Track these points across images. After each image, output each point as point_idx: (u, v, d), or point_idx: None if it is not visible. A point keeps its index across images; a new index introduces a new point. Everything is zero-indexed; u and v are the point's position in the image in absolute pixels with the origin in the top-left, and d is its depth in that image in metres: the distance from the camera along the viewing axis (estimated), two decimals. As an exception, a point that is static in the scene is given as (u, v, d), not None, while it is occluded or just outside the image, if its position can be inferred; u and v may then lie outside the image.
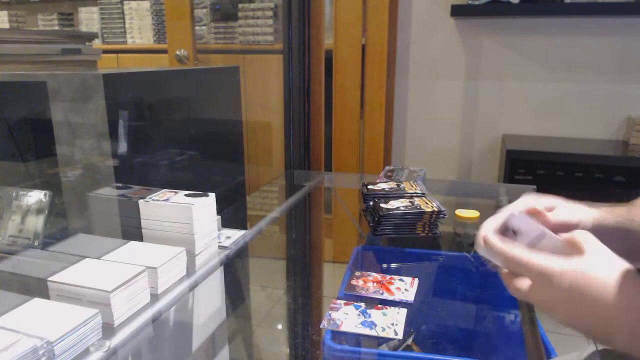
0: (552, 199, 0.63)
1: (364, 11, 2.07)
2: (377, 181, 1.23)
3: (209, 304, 0.85)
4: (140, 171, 0.99)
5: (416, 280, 0.84)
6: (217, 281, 0.84)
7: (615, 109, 1.96)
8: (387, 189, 1.14)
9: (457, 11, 1.97)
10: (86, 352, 0.55)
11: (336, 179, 1.79)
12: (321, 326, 0.69)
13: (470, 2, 1.95)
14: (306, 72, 1.56)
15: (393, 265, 0.99)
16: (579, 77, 1.98)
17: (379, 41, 2.07)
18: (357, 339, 0.70)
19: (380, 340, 0.73)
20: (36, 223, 0.78)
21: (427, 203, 1.04)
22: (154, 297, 0.67)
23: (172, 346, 0.75)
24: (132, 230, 0.78)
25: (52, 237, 0.78)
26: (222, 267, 0.83)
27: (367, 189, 1.16)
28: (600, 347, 0.53)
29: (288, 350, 1.12)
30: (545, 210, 0.60)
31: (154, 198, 0.78)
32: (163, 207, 0.76)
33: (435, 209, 1.00)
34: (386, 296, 0.78)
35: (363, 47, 2.11)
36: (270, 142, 2.24)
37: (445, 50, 2.11)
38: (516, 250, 0.51)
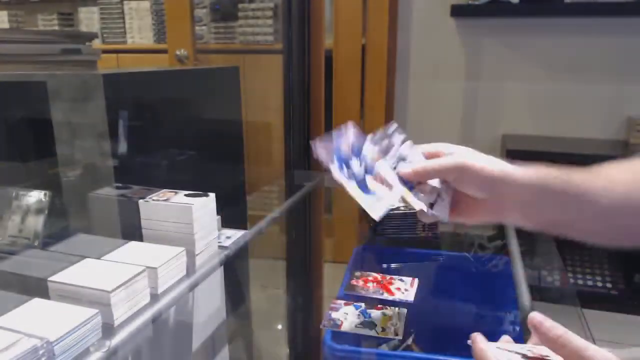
0: (460, 147, 0.60)
1: (364, 11, 2.07)
2: (377, 181, 1.23)
3: (209, 304, 0.85)
4: (140, 171, 0.99)
5: (416, 280, 0.84)
6: (217, 281, 0.84)
7: (615, 109, 1.96)
8: (387, 189, 1.14)
9: (457, 11, 1.97)
10: (86, 352, 0.55)
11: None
12: (321, 326, 0.69)
13: (470, 2, 1.95)
14: (306, 72, 1.56)
15: (393, 265, 0.99)
16: (579, 77, 1.98)
17: (379, 41, 2.08)
18: (357, 339, 0.70)
19: (380, 340, 0.73)
20: (36, 223, 0.78)
21: (427, 203, 1.04)
22: (154, 297, 0.67)
23: (172, 346, 0.75)
24: (132, 230, 0.78)
25: (52, 237, 0.78)
26: (222, 267, 0.83)
27: (367, 189, 1.16)
28: None
29: (288, 350, 1.12)
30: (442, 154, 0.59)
31: (154, 198, 0.78)
32: (163, 207, 0.76)
33: (435, 209, 1.00)
34: (386, 296, 0.78)
35: (363, 47, 2.11)
36: (270, 142, 2.24)
37: (445, 50, 2.11)
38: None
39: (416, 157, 0.58)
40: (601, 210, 0.53)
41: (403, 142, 0.59)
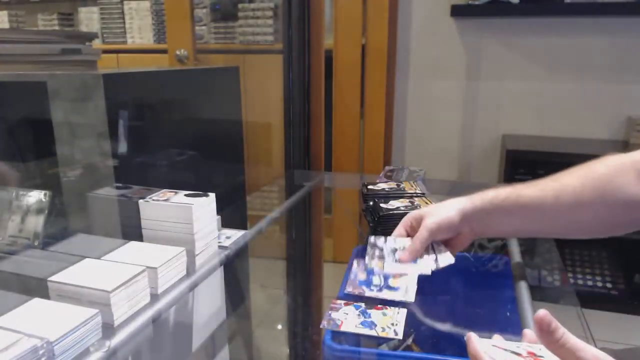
0: (422, 209, 0.78)
1: (364, 11, 2.07)
2: (377, 181, 1.23)
3: (209, 304, 0.85)
4: (140, 171, 0.99)
5: (416, 280, 0.84)
6: (217, 281, 0.84)
7: (615, 109, 1.96)
8: (387, 189, 1.14)
9: (457, 11, 1.97)
10: (86, 352, 0.55)
11: (336, 179, 1.79)
12: (321, 326, 0.69)
13: (470, 2, 1.95)
14: (306, 72, 1.56)
15: (393, 265, 0.99)
16: (579, 77, 1.98)
17: (379, 41, 2.08)
18: (357, 339, 0.70)
19: (380, 340, 0.73)
20: (36, 223, 0.78)
21: (427, 203, 1.03)
22: (154, 297, 0.67)
23: (172, 346, 0.75)
24: (132, 230, 0.78)
25: (52, 237, 0.78)
26: (222, 267, 0.83)
27: (367, 189, 1.16)
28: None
29: (288, 350, 1.12)
30: (415, 224, 0.77)
31: (154, 198, 0.78)
32: (163, 207, 0.76)
33: (435, 209, 1.00)
34: (386, 296, 0.78)
35: (363, 47, 2.10)
36: (270, 142, 2.24)
37: (445, 50, 2.11)
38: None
39: (401, 242, 0.77)
40: (555, 213, 0.67)
41: (385, 241, 0.79)
